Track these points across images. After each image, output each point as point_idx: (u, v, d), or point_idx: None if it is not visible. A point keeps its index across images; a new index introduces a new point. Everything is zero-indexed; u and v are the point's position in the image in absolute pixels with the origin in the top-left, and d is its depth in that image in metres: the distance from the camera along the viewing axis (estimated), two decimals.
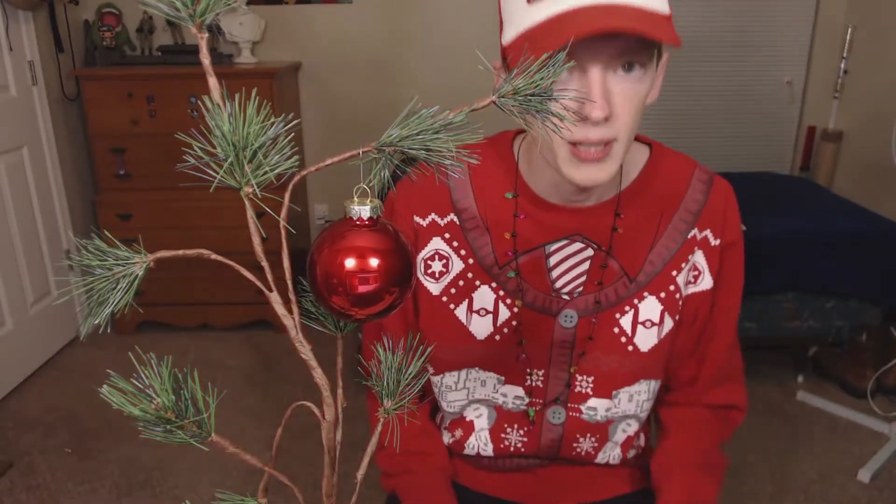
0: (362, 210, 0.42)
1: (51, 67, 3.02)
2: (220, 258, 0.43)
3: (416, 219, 0.92)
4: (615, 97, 0.73)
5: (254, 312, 3.16)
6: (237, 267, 0.43)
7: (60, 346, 3.09)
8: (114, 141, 3.00)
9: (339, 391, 0.46)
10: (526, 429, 0.97)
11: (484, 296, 0.91)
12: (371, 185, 0.44)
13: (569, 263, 0.90)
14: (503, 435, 0.98)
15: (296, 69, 3.34)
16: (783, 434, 2.44)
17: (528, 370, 0.94)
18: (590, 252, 0.89)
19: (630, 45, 0.71)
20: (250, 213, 0.42)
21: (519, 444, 0.98)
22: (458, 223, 0.91)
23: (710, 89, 3.45)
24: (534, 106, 0.45)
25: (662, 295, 0.91)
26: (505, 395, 0.96)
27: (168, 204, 3.02)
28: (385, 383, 0.47)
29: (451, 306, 0.92)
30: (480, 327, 0.92)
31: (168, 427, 0.40)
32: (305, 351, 0.42)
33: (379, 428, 0.46)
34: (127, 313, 0.38)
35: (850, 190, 3.20)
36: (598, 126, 0.73)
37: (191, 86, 2.90)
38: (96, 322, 0.40)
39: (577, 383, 0.94)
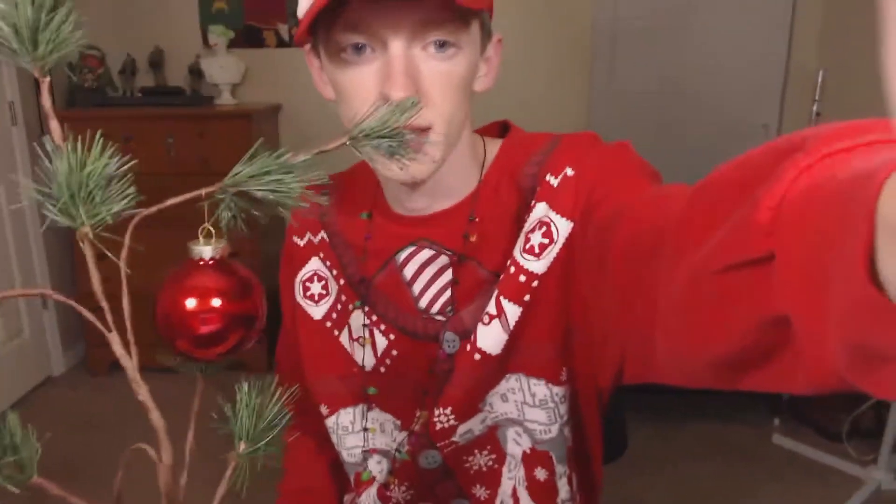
0: (204, 250, 0.43)
1: (31, 108, 3.05)
2: (61, 298, 0.42)
3: (295, 239, 0.89)
4: (424, 78, 0.67)
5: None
6: (78, 307, 0.43)
7: (33, 385, 3.06)
8: None
9: (190, 433, 0.46)
10: (406, 485, 0.86)
11: (357, 321, 0.85)
12: (221, 224, 0.45)
13: (426, 275, 0.81)
14: (388, 493, 0.87)
15: (275, 111, 3.38)
16: (758, 477, 2.41)
17: (418, 411, 0.83)
18: (445, 260, 0.80)
19: (433, 15, 0.65)
20: (89, 254, 0.42)
21: (405, 500, 0.87)
22: (326, 240, 0.87)
23: (686, 135, 3.48)
24: (385, 148, 0.46)
25: (499, 276, 0.77)
26: (402, 443, 0.85)
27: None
28: (240, 423, 0.46)
29: (336, 332, 0.87)
30: (363, 357, 0.85)
31: None
32: (143, 392, 0.42)
33: (228, 474, 0.45)
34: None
35: None
36: None
37: (169, 126, 2.93)
38: None
39: (436, 419, 0.81)
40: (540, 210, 0.75)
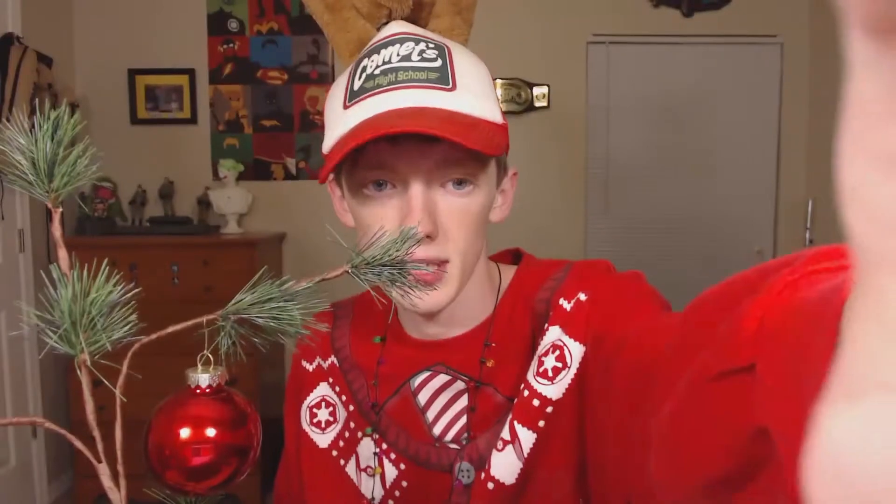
0: (200, 378, 0.42)
1: (40, 235, 3.11)
2: (54, 428, 0.42)
3: (304, 364, 0.88)
4: (442, 214, 0.70)
5: None
6: (70, 438, 0.42)
7: None
8: None
9: None
10: None
11: (367, 450, 0.82)
12: (221, 352, 0.44)
13: (441, 401, 0.80)
14: None
15: (280, 239, 3.45)
16: None
17: None
18: (460, 386, 0.79)
19: (451, 155, 0.68)
20: (85, 382, 0.41)
21: None
22: (337, 365, 0.86)
23: (684, 266, 3.53)
24: (386, 277, 0.46)
25: (514, 401, 0.76)
26: None
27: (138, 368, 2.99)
28: None
29: (342, 462, 0.84)
30: (372, 488, 0.82)
31: None
32: None
33: None
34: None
35: None
36: (423, 244, 0.67)
37: (174, 254, 2.97)
38: None
39: None
40: (553, 334, 0.75)
